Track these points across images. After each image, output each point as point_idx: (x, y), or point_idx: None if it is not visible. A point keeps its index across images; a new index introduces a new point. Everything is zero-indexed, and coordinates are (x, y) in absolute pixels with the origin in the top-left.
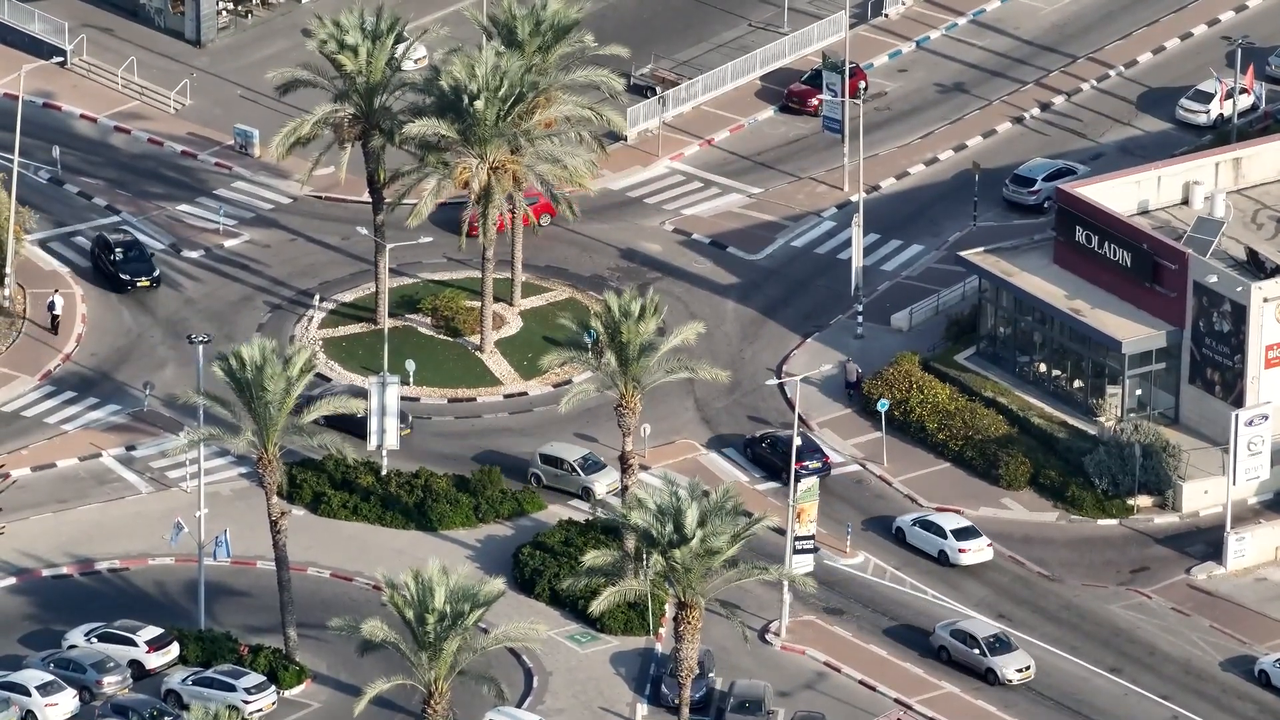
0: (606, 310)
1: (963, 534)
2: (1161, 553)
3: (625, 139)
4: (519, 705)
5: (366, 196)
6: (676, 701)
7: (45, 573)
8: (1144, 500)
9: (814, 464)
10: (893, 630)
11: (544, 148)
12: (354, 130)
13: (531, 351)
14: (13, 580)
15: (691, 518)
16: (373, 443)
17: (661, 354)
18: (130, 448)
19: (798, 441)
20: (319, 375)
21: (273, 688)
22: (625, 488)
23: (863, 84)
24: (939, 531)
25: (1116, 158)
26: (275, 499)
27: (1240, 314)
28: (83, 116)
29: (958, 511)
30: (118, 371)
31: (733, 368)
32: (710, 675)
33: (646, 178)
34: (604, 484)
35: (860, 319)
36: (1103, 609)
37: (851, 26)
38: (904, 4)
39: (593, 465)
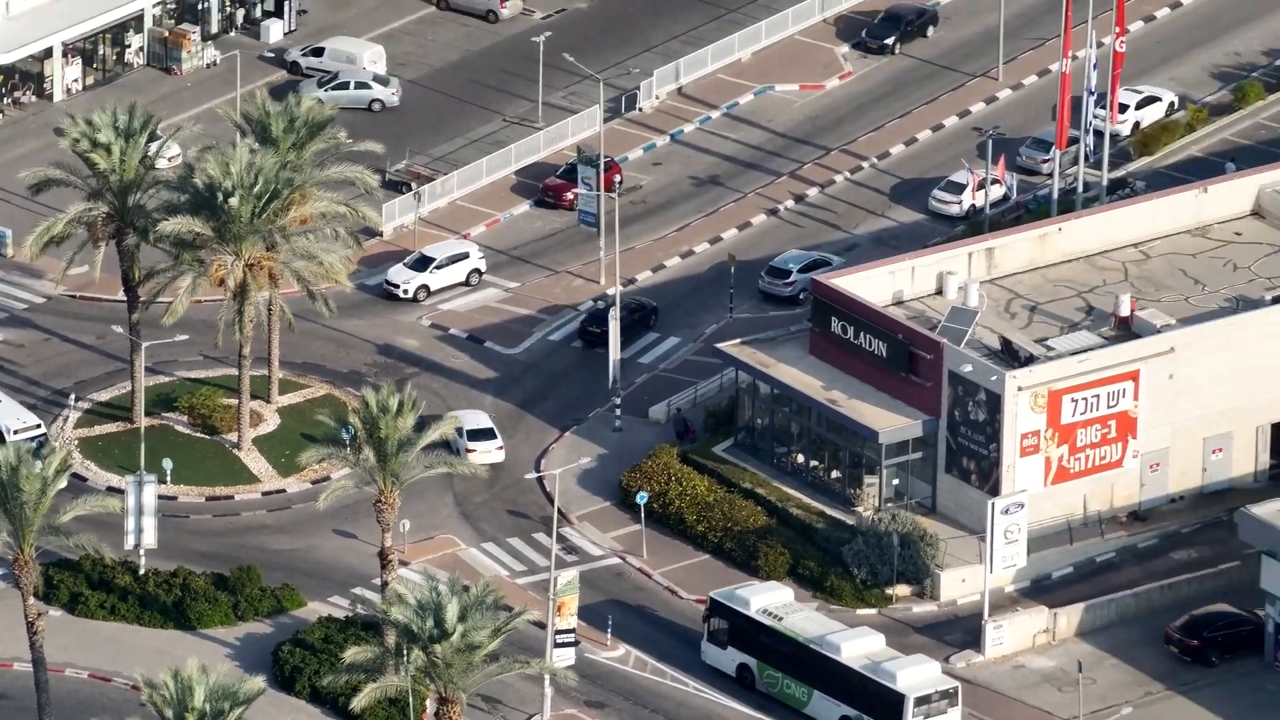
0: (364, 406)
1: (476, 435)
2: (920, 641)
3: (381, 234)
4: None
5: (122, 295)
6: None
7: None
8: (902, 589)
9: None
10: None
11: (300, 244)
12: (108, 229)
13: (289, 448)
14: None
15: (452, 613)
16: (130, 542)
17: (419, 448)
18: None
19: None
20: (75, 475)
21: None
22: (385, 583)
23: (617, 178)
24: (458, 431)
25: (871, 248)
26: (31, 600)
27: (995, 403)
28: None
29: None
30: None
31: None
32: None
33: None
34: None
35: (619, 412)
36: None
37: (606, 120)
38: (658, 98)
39: None
